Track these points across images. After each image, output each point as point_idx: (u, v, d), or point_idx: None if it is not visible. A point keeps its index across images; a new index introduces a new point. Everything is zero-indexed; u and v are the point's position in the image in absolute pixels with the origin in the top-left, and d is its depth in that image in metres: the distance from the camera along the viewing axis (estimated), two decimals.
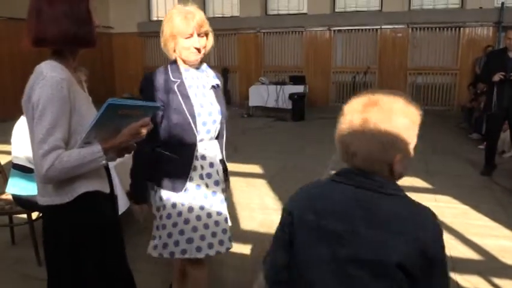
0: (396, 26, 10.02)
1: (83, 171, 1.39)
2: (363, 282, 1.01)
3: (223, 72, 11.40)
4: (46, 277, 1.57)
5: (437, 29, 9.84)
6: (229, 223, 2.03)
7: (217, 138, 2.01)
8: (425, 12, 9.92)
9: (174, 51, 1.85)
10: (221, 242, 1.94)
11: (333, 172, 1.16)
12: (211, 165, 1.94)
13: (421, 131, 1.12)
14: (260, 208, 3.96)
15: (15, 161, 2.80)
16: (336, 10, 10.75)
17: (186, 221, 1.89)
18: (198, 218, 1.89)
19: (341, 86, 10.69)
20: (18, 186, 2.78)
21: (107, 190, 1.59)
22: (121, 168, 2.76)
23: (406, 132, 1.06)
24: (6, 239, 3.22)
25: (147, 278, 2.56)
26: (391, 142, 1.05)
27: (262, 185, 4.65)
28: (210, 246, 1.91)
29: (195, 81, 1.91)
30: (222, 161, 2.03)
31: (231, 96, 11.44)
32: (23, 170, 2.76)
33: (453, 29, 9.73)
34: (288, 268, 1.18)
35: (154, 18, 12.17)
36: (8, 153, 3.10)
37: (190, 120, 1.84)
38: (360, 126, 1.06)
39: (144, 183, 1.94)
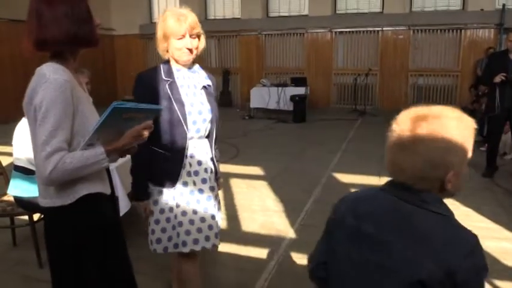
0: (397, 28, 10.03)
1: (85, 173, 1.40)
2: None
3: (225, 74, 11.43)
4: (47, 279, 1.57)
5: (439, 30, 9.84)
6: (219, 221, 2.07)
7: (207, 137, 2.04)
8: (427, 14, 9.91)
9: (167, 51, 1.91)
10: (207, 238, 1.97)
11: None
12: (199, 163, 1.99)
13: None
14: (261, 210, 3.96)
15: (17, 163, 2.80)
16: (337, 12, 10.76)
17: (175, 216, 1.95)
18: (183, 213, 1.95)
19: (342, 87, 10.72)
20: (20, 188, 2.78)
21: (108, 192, 1.59)
22: (122, 169, 2.77)
23: (459, 147, 1.03)
24: (8, 241, 3.22)
25: (148, 280, 2.56)
26: (441, 159, 1.01)
27: (263, 186, 4.64)
28: (195, 241, 1.94)
29: (186, 81, 1.95)
30: (212, 160, 2.06)
31: (232, 98, 11.47)
32: (25, 172, 2.76)
33: (454, 30, 9.73)
34: (324, 264, 1.22)
35: (156, 21, 12.16)
36: (10, 154, 3.10)
37: (181, 119, 1.88)
38: (409, 143, 1.04)
39: (145, 182, 1.98)
